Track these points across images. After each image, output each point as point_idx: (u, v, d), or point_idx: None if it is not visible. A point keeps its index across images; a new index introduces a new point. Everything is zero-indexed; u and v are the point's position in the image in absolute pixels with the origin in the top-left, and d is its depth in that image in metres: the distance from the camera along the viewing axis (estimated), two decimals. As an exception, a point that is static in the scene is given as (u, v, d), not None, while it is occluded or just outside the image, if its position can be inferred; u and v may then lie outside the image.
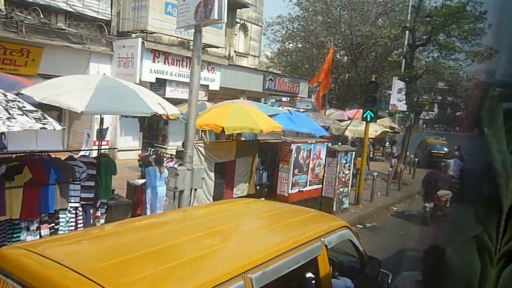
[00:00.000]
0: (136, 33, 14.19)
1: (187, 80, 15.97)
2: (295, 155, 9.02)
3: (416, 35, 14.81)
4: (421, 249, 4.38)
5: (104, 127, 15.02)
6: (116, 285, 2.16)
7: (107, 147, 14.87)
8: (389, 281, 4.37)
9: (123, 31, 14.38)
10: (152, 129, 16.65)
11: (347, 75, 27.69)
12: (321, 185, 9.98)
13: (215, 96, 17.78)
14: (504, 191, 1.52)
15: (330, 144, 10.44)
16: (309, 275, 3.79)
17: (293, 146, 8.93)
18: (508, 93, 1.82)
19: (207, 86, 15.84)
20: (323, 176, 10.36)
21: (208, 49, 18.48)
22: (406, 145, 15.11)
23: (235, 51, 20.41)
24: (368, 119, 11.23)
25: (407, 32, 16.64)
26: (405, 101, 15.65)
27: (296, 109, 30.59)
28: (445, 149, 20.88)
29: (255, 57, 22.27)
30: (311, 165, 9.52)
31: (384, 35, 19.15)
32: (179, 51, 14.61)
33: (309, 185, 9.60)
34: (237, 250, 2.97)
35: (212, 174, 8.66)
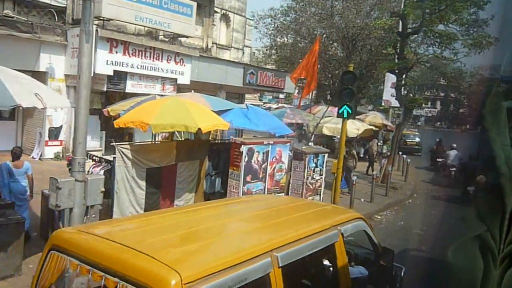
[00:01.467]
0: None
1: (152, 73, 14.60)
2: (247, 158, 7.48)
3: (406, 21, 13.17)
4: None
5: (57, 125, 13.67)
6: (162, 256, 2.51)
7: (60, 148, 13.50)
8: (402, 274, 4.51)
9: (78, 18, 12.90)
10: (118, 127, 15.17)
11: (341, 69, 25.97)
12: (283, 194, 8.43)
13: (188, 91, 16.33)
14: (507, 191, 1.52)
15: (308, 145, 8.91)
16: (327, 262, 3.92)
17: (244, 148, 7.40)
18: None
19: (175, 79, 14.31)
20: (288, 183, 8.84)
21: (183, 40, 16.99)
22: (395, 145, 13.49)
23: (215, 43, 18.88)
24: (345, 116, 9.63)
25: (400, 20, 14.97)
26: (395, 96, 13.98)
27: (293, 106, 28.98)
28: (417, 139, 24.33)
29: (239, 50, 20.71)
30: (269, 171, 7.98)
31: (379, 26, 17.50)
32: (141, 41, 13.08)
33: (268, 194, 8.06)
34: (265, 232, 3.34)
35: (142, 183, 7.16)
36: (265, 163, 7.85)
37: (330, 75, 26.69)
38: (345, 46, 24.07)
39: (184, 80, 14.54)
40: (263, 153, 7.77)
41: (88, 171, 6.53)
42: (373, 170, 13.96)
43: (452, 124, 65.46)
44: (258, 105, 19.97)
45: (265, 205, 4.49)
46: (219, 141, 8.45)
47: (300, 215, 3.96)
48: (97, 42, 12.19)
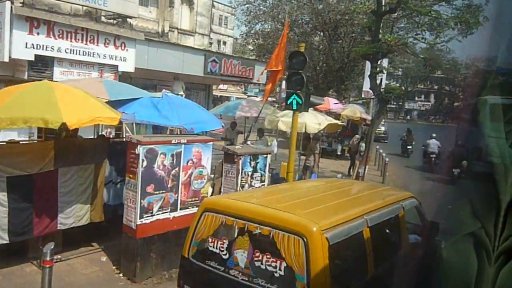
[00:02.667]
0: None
1: (86, 58, 12.62)
2: (145, 163, 5.60)
3: (381, -3, 11.27)
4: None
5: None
6: (299, 213, 3.56)
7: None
8: (442, 246, 4.78)
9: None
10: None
11: (322, 58, 24.08)
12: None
13: (135, 81, 14.40)
14: (502, 187, 1.51)
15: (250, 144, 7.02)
16: (394, 229, 4.79)
17: (140, 149, 5.51)
18: (509, 82, 1.73)
19: (116, 66, 12.36)
20: (219, 192, 7.00)
21: (134, 23, 15.01)
22: (368, 142, 11.65)
23: (175, 28, 16.92)
24: (294, 107, 7.78)
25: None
26: (369, 86, 12.11)
27: (281, 99, 26.94)
28: (383, 128, 26.96)
29: (204, 36, 18.75)
30: (183, 178, 6.11)
31: (360, 10, 15.59)
32: (68, 20, 11.11)
33: (183, 209, 6.20)
34: (357, 203, 4.45)
35: (3, 196, 5.29)
36: (176, 168, 5.98)
37: (313, 66, 24.78)
38: (326, 33, 22.17)
39: (127, 67, 12.59)
40: (172, 156, 5.89)
41: None
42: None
43: (446, 118, 64.11)
44: (243, 99, 18.04)
45: (347, 184, 5.73)
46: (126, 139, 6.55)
47: (373, 192, 5.13)
48: (13, 21, 10.25)
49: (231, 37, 35.94)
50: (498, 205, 1.50)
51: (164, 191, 5.87)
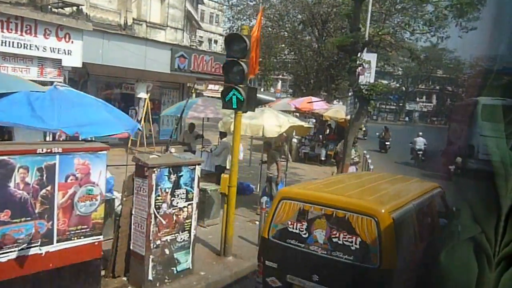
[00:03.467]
0: None
1: (22, 51, 10.97)
2: (-7, 181, 4.04)
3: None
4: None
5: None
6: (368, 199, 4.38)
7: None
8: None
9: None
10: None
11: (313, 56, 22.46)
12: (99, 237, 5.00)
13: (96, 79, 12.95)
14: (503, 192, 1.51)
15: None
16: (430, 213, 5.32)
17: (-17, 163, 3.97)
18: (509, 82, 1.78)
19: (59, 60, 10.83)
20: (130, 214, 5.45)
21: (92, 14, 13.52)
22: (346, 147, 10.03)
23: (143, 21, 15.41)
24: (234, 105, 6.20)
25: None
26: (348, 82, 10.48)
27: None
28: (364, 128, 26.81)
29: (178, 30, 17.23)
30: (59, 200, 4.54)
31: (348, 2, 14.00)
32: (-4, 6, 9.61)
33: (63, 241, 4.63)
34: (403, 191, 5.16)
35: None
36: (48, 188, 4.40)
37: (304, 65, 23.17)
38: (315, 29, 20.55)
39: (73, 61, 11.05)
40: (40, 170, 4.32)
41: None
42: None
43: (448, 120, 61.96)
44: (201, 97, 16.52)
45: (389, 176, 6.37)
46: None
47: (411, 182, 5.99)
48: None
49: (222, 35, 34.24)
50: (499, 209, 1.51)
51: (28, 218, 4.31)
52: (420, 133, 19.30)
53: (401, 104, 63.65)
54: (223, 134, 10.33)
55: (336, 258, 4.07)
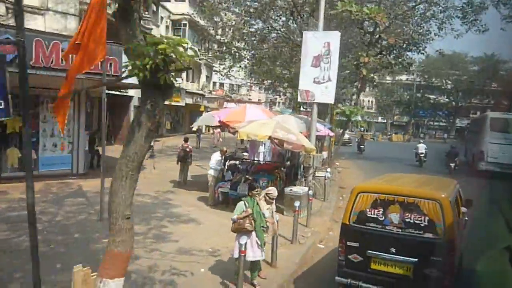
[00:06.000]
0: None
1: None
2: None
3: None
4: None
5: None
6: (430, 189, 5.97)
7: None
8: (466, 218, 7.12)
9: None
10: None
11: (298, 54, 19.70)
12: None
13: None
14: None
15: None
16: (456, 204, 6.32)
17: None
18: None
19: None
20: None
21: None
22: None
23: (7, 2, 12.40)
24: None
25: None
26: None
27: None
28: (347, 136, 36.33)
29: (69, 16, 14.13)
30: None
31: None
32: None
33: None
34: (444, 183, 6.70)
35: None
36: None
37: (286, 62, 20.78)
38: (295, 19, 18.01)
39: None
40: None
41: None
42: None
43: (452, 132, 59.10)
44: None
45: (423, 176, 8.39)
46: None
47: (441, 179, 7.64)
48: None
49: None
50: None
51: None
52: (421, 141, 26.33)
53: (451, 120, 60.70)
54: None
55: (409, 234, 5.34)
